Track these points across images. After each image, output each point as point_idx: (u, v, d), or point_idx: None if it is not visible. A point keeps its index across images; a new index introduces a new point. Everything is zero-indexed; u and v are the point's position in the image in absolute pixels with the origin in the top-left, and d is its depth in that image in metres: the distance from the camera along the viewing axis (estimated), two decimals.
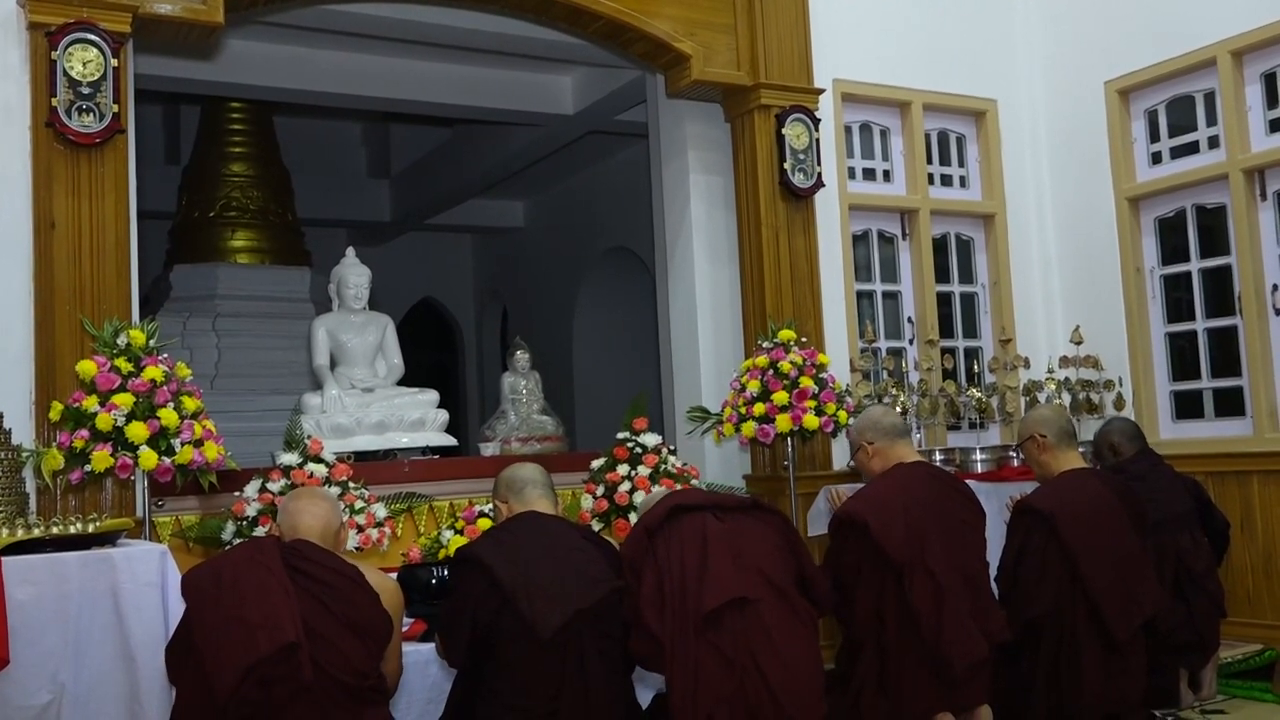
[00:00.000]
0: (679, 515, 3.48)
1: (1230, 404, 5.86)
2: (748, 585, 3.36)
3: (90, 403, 3.70)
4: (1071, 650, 4.04)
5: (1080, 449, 5.14)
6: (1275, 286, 5.63)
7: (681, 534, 3.44)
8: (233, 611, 2.92)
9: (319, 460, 4.34)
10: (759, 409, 4.98)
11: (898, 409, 5.57)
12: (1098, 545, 4.09)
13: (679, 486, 4.85)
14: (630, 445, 5.00)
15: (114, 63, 4.24)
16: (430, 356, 13.21)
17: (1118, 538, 4.17)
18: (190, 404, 3.86)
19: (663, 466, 4.93)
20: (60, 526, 3.38)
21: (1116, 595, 4.05)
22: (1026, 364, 6.03)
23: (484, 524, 4.48)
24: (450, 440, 5.45)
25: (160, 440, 3.73)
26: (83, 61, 4.18)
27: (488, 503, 4.69)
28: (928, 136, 6.44)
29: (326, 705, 2.93)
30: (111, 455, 3.65)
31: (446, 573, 3.99)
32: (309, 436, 4.55)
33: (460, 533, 4.47)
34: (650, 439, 5.02)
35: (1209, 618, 4.76)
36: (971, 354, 6.52)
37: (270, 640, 2.87)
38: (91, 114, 4.18)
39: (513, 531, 3.51)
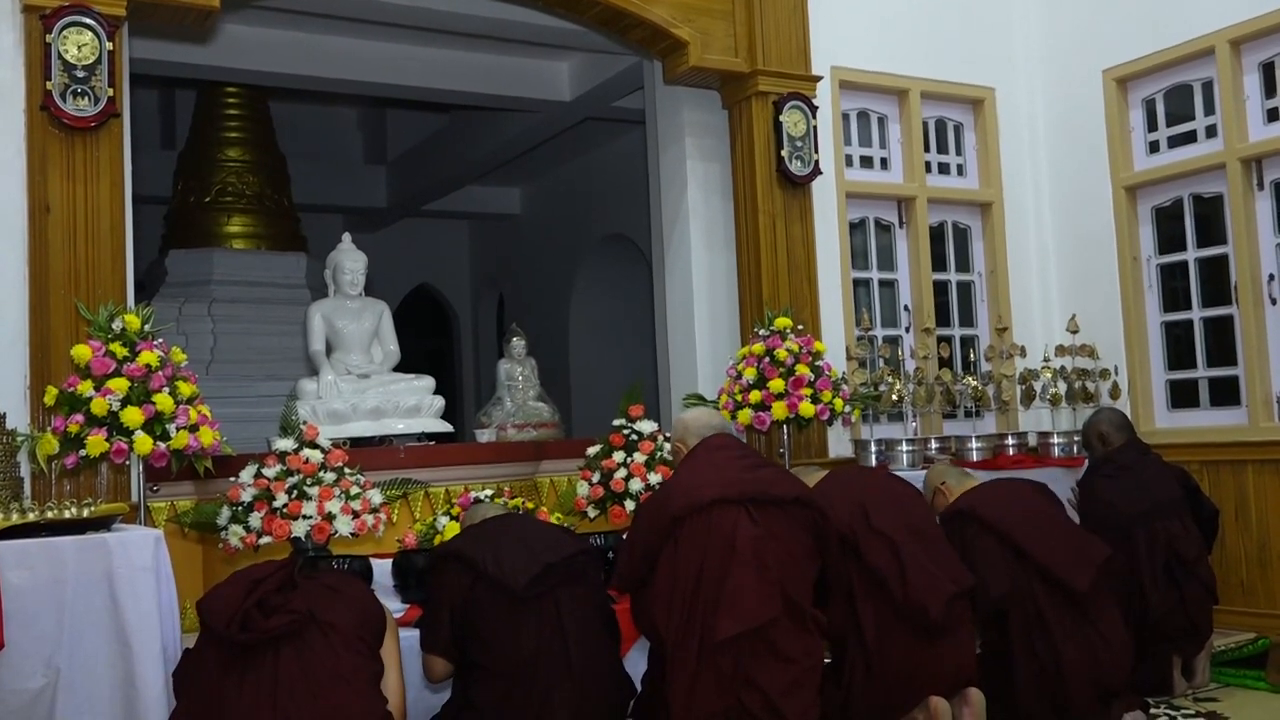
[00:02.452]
0: (712, 509, 3.47)
1: (1225, 393, 5.87)
2: (765, 609, 3.37)
3: (85, 387, 3.69)
4: (1040, 620, 4.11)
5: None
6: (1271, 276, 5.63)
7: (710, 532, 3.44)
8: (243, 572, 3.24)
9: (314, 446, 4.32)
10: (755, 396, 4.99)
11: (894, 396, 5.58)
12: (1024, 519, 4.25)
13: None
14: (626, 432, 5.00)
15: (109, 46, 4.21)
16: (426, 343, 13.21)
17: (1041, 510, 4.36)
18: (185, 389, 3.85)
19: (658, 454, 4.93)
20: (55, 511, 3.39)
21: (1061, 553, 4.16)
22: (1023, 352, 6.04)
23: None
24: (446, 426, 5.44)
25: (155, 425, 3.72)
26: (78, 45, 4.16)
27: (483, 489, 4.70)
28: (925, 124, 6.43)
29: (322, 651, 3.05)
30: (106, 440, 3.64)
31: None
32: (305, 422, 4.53)
33: (456, 519, 4.46)
34: (646, 426, 5.01)
35: (1201, 604, 4.80)
36: (968, 342, 6.52)
37: (270, 564, 3.21)
38: (86, 97, 4.15)
39: (482, 526, 3.73)
